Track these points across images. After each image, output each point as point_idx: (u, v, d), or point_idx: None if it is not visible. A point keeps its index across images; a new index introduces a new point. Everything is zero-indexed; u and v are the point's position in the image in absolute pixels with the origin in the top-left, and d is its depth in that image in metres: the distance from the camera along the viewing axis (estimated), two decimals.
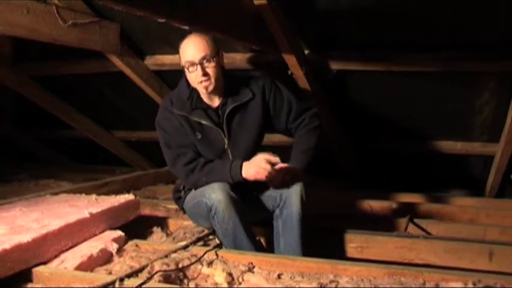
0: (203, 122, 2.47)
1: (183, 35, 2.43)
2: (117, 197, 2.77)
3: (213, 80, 2.39)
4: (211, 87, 2.41)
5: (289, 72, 3.19)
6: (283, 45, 2.93)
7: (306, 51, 3.25)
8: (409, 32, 2.94)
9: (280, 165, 2.38)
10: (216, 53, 2.41)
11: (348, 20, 2.92)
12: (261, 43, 2.93)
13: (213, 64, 2.37)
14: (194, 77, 2.40)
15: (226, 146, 2.51)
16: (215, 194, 2.31)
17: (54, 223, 2.21)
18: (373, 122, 3.77)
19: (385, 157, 4.07)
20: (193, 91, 2.50)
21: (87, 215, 2.37)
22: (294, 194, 2.38)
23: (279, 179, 2.40)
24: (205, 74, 2.37)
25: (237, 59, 3.45)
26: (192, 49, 2.37)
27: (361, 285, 1.94)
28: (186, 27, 2.19)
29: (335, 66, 3.30)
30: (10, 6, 2.74)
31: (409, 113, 3.61)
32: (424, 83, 3.31)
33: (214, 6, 2.36)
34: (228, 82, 2.51)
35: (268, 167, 2.34)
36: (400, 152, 3.97)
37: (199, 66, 2.36)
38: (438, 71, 3.14)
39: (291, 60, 3.06)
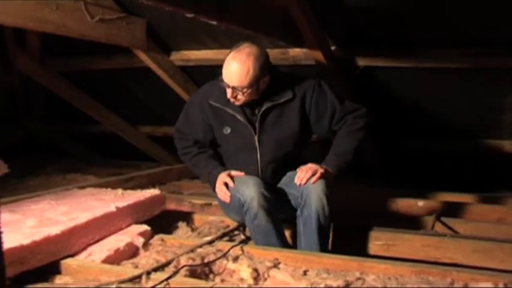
0: (236, 116, 2.47)
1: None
2: (143, 191, 2.78)
3: (240, 102, 2.40)
4: (237, 103, 2.42)
5: None
6: (310, 41, 2.92)
7: (333, 47, 3.23)
8: (437, 28, 2.90)
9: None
10: (256, 81, 2.33)
11: (375, 16, 2.90)
12: (288, 39, 2.93)
13: (246, 93, 2.35)
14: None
15: (255, 143, 2.50)
16: (249, 191, 2.30)
17: (81, 216, 2.24)
18: (399, 119, 3.73)
19: (411, 154, 4.03)
20: None
21: (114, 209, 2.39)
22: (313, 194, 2.32)
23: (307, 179, 2.36)
24: (234, 97, 2.37)
25: None
26: (229, 74, 2.32)
27: (388, 284, 1.91)
28: (214, 22, 2.19)
29: (362, 62, 3.28)
30: (40, 3, 2.78)
31: (435, 110, 3.57)
32: (451, 79, 3.27)
33: (242, 2, 2.36)
34: (271, 80, 2.43)
35: (224, 189, 2.40)
36: (425, 149, 3.93)
37: (230, 90, 2.35)
38: (466, 67, 3.09)
39: (317, 56, 3.05)
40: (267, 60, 2.38)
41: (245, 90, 2.32)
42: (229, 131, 2.50)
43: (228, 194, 2.39)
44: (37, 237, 1.94)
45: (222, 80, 2.35)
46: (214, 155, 2.60)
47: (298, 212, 2.40)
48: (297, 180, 2.37)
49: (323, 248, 2.33)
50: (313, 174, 2.35)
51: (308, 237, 2.34)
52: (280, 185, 2.56)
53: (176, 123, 2.70)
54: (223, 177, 2.44)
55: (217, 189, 2.46)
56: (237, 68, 2.28)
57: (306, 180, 2.34)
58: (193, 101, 2.66)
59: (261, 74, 2.33)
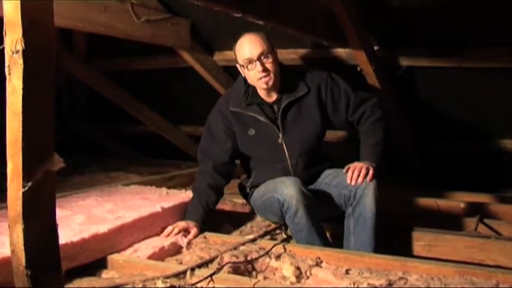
0: (258, 117, 2.51)
1: (251, 32, 2.47)
2: (187, 192, 2.81)
3: (272, 75, 2.42)
4: (271, 82, 2.43)
5: (358, 68, 3.16)
6: (354, 41, 2.92)
7: (376, 47, 3.21)
8: (482, 27, 2.85)
9: None
10: (272, 49, 2.44)
11: (419, 16, 2.88)
12: (332, 39, 2.93)
13: (270, 59, 2.41)
14: (253, 74, 2.43)
15: (280, 141, 2.53)
16: (288, 190, 2.32)
17: (128, 215, 2.27)
18: (442, 119, 3.68)
19: (452, 155, 3.97)
20: (250, 87, 2.57)
21: (159, 210, 2.42)
22: (368, 192, 2.35)
23: (362, 177, 2.38)
24: (264, 69, 2.40)
25: (304, 54, 3.45)
26: (249, 46, 2.41)
27: (431, 284, 1.89)
28: (261, 22, 2.21)
29: (405, 62, 3.25)
30: (89, 4, 2.85)
31: (478, 110, 3.51)
32: (494, 80, 3.21)
33: (288, 2, 2.38)
34: (283, 77, 2.53)
35: (171, 230, 2.35)
36: (467, 150, 3.86)
37: (257, 62, 2.39)
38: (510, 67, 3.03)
39: (360, 56, 3.04)
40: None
41: (269, 55, 2.39)
42: (253, 132, 2.55)
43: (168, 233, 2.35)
44: (86, 234, 1.98)
45: (243, 64, 2.45)
46: (211, 195, 2.57)
47: (349, 211, 2.42)
48: (350, 181, 2.39)
49: (376, 246, 2.34)
50: (365, 173, 2.39)
51: (361, 235, 2.36)
52: (319, 185, 2.59)
53: (199, 144, 2.72)
54: (182, 224, 2.40)
55: (171, 226, 2.39)
56: (252, 38, 2.43)
57: (361, 179, 2.37)
58: (213, 113, 2.69)
59: (272, 44, 2.45)
